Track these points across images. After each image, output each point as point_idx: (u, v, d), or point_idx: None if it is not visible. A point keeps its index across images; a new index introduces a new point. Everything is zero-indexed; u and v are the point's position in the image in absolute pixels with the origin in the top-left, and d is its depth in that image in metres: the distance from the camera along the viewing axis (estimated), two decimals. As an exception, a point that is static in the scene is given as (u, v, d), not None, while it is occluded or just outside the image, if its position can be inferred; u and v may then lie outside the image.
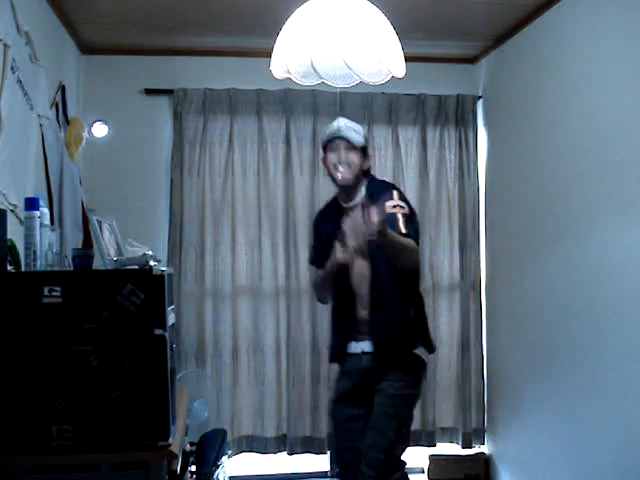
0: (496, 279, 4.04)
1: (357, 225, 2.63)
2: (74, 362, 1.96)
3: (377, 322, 2.66)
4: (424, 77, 4.02)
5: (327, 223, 2.81)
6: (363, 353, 2.69)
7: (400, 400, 2.66)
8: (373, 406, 2.65)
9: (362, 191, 2.73)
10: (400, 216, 2.58)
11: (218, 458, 3.39)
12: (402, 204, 2.62)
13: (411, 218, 2.67)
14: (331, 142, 2.71)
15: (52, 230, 2.33)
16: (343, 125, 2.71)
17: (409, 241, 2.58)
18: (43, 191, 2.95)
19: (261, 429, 3.93)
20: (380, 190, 2.67)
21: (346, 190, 2.74)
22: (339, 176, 2.70)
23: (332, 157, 2.71)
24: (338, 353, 2.79)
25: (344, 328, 2.75)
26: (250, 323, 3.96)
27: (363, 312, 2.68)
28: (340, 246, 2.63)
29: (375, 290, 2.66)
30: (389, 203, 2.57)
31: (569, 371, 3.13)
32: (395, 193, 2.64)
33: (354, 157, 2.69)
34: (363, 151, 2.72)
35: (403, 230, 2.57)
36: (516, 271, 3.74)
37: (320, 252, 2.79)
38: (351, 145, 2.68)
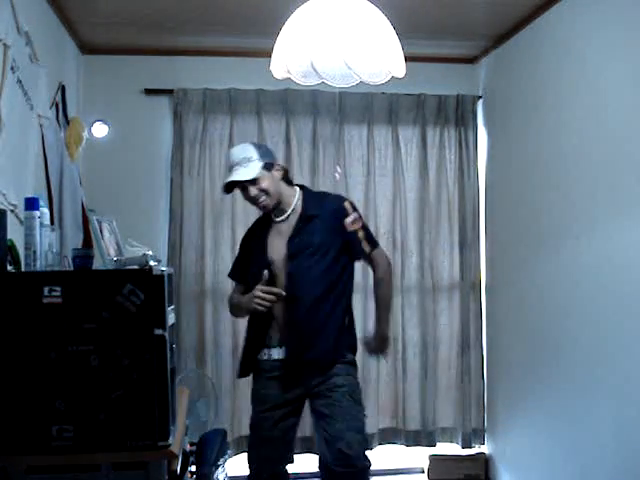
0: (496, 279, 4.04)
1: (283, 238, 2.66)
2: (74, 362, 1.96)
3: (297, 340, 2.63)
4: (424, 77, 4.02)
5: (253, 238, 2.80)
6: (305, 359, 2.63)
7: (356, 389, 2.67)
8: (331, 401, 2.61)
9: (295, 203, 2.70)
10: (360, 234, 2.67)
11: (218, 458, 3.38)
12: (357, 216, 2.69)
13: (366, 226, 2.75)
14: (233, 188, 2.70)
15: (52, 230, 2.32)
16: (233, 164, 2.64)
17: (389, 292, 2.81)
18: (43, 191, 2.95)
19: (261, 429, 3.93)
20: (324, 204, 2.70)
21: (275, 209, 2.71)
22: (261, 206, 2.68)
23: (245, 195, 2.69)
24: (249, 364, 2.75)
25: (261, 338, 2.71)
26: (250, 323, 3.95)
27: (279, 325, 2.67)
28: (261, 291, 2.58)
29: (298, 314, 2.61)
30: (348, 220, 2.65)
31: (569, 371, 3.13)
32: (347, 206, 2.69)
33: (263, 184, 2.62)
34: (266, 168, 2.64)
35: (367, 249, 2.69)
36: (516, 271, 3.74)
37: (240, 266, 2.82)
38: (250, 180, 2.62)
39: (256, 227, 2.85)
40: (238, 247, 2.94)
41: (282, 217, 2.71)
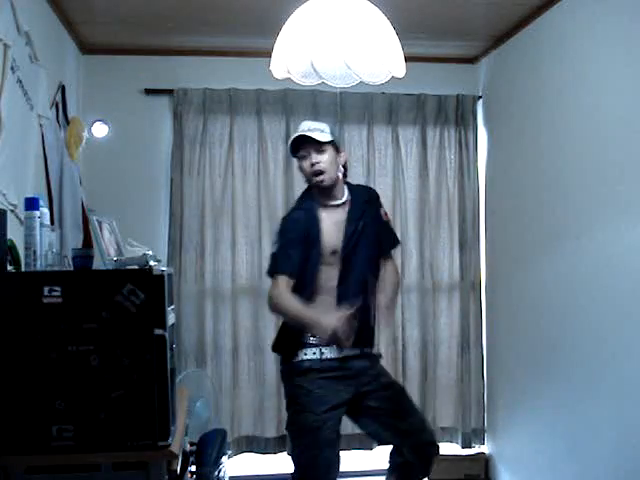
0: (496, 279, 4.04)
1: (339, 225, 2.61)
2: (74, 362, 1.96)
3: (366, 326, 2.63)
4: (424, 77, 4.02)
5: (311, 224, 2.60)
6: (357, 356, 2.61)
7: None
8: (386, 399, 2.65)
9: (345, 190, 2.67)
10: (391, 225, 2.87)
11: (218, 458, 3.38)
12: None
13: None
14: (299, 147, 2.60)
15: (52, 230, 2.33)
16: (305, 129, 2.59)
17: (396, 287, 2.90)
18: (43, 191, 2.95)
19: (261, 429, 3.93)
20: (365, 194, 2.77)
21: (329, 189, 2.63)
22: (318, 180, 2.58)
23: (304, 164, 2.60)
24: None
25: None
26: (250, 323, 3.95)
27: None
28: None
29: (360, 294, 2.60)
30: (382, 211, 2.75)
31: (569, 371, 3.13)
32: (380, 199, 2.82)
33: (328, 157, 2.58)
34: (335, 148, 2.62)
35: (399, 240, 2.93)
36: (516, 271, 3.74)
37: (297, 256, 2.53)
38: (318, 145, 2.56)
39: (309, 211, 2.63)
40: (284, 235, 2.61)
41: (336, 202, 2.63)
